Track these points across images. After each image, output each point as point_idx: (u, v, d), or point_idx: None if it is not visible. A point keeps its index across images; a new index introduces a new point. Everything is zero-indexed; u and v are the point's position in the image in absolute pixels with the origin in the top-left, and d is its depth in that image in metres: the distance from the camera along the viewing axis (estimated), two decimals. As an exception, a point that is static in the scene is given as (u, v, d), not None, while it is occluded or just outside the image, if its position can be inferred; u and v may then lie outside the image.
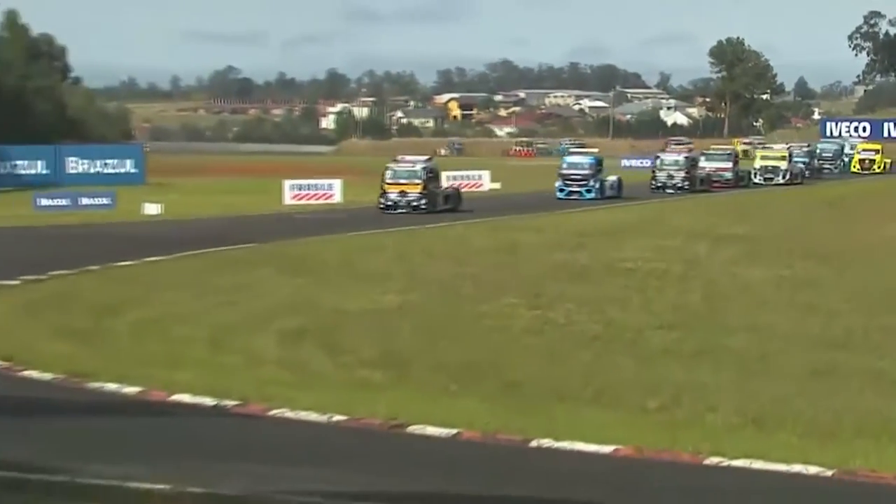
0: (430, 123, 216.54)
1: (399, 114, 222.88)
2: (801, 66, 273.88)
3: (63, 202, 63.83)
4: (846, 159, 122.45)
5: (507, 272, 44.36)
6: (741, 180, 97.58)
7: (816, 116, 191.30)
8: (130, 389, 24.52)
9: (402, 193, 68.88)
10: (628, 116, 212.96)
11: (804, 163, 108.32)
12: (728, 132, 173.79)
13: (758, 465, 19.14)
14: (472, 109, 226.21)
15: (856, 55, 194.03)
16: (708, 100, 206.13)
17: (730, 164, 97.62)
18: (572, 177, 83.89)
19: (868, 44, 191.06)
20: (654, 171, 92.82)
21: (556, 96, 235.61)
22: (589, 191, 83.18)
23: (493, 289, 40.44)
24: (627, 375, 27.78)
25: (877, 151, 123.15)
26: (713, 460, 19.48)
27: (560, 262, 46.86)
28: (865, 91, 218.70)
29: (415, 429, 21.29)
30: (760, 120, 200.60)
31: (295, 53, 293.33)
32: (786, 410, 24.42)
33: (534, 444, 20.44)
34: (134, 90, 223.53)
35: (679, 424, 22.71)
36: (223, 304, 36.99)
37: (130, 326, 33.30)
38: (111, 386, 24.74)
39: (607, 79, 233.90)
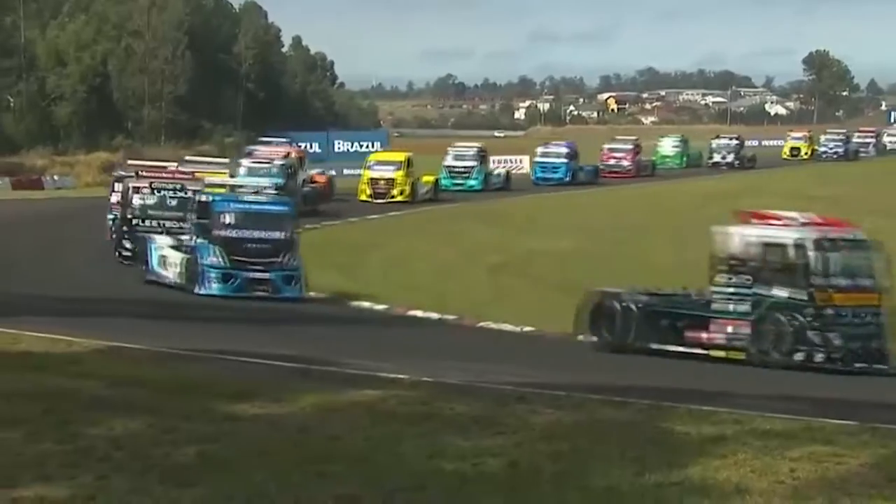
0: (594, 115, 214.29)
1: (571, 108, 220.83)
2: (872, 70, 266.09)
3: (333, 172, 64.22)
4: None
5: (650, 221, 43.88)
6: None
7: (883, 108, 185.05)
8: (380, 306, 24.80)
9: None
10: (741, 109, 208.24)
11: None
12: (816, 120, 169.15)
13: None
14: (625, 104, 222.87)
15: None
16: (801, 96, 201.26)
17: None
18: None
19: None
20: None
21: (687, 94, 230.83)
22: None
23: (638, 233, 40.08)
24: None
25: (399, 166, 51.19)
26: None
27: (693, 215, 46.21)
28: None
29: (582, 338, 21.21)
30: (841, 111, 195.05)
31: (496, 64, 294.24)
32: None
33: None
34: (381, 92, 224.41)
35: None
36: (442, 245, 37.18)
37: (378, 261, 33.68)
38: (366, 304, 25.04)
39: (726, 80, 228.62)
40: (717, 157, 79.43)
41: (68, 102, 78.33)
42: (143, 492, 8.73)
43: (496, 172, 60.67)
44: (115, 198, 33.27)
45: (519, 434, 11.39)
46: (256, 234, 25.68)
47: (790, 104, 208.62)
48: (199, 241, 25.82)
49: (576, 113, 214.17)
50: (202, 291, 25.03)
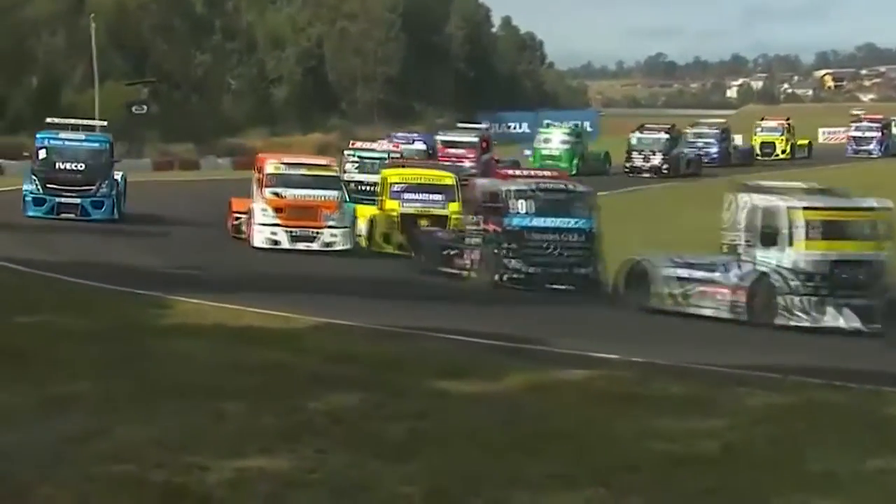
0: (810, 92, 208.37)
1: (785, 86, 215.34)
2: None
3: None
4: None
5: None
6: None
7: None
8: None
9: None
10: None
11: None
12: None
13: None
14: (842, 81, 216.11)
15: None
16: None
17: None
18: None
19: None
20: None
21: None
22: None
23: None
24: None
25: None
26: None
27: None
28: None
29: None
30: None
31: (707, 42, 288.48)
32: None
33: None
34: (590, 70, 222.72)
35: None
36: (660, 227, 35.52)
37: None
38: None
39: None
40: (637, 159, 54.49)
41: (285, 84, 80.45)
42: (360, 466, 8.90)
43: None
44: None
45: (733, 417, 11.19)
46: None
47: None
48: None
49: (790, 91, 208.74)
50: None
